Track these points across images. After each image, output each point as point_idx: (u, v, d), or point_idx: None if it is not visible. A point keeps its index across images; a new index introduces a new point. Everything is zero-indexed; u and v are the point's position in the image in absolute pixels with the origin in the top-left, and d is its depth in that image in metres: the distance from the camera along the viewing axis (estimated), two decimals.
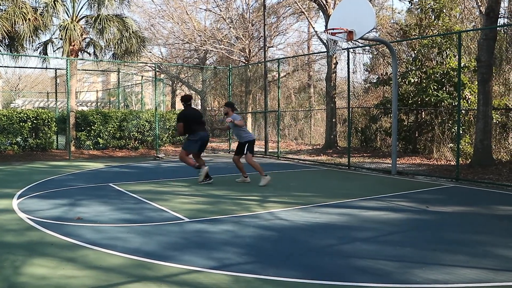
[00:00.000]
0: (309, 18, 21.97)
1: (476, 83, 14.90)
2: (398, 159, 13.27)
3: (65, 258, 4.67)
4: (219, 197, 8.18)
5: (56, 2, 16.06)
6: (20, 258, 4.67)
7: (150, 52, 27.79)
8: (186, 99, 10.25)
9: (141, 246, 5.09)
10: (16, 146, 15.46)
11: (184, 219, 6.38)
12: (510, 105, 15.51)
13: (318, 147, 19.60)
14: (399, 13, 23.63)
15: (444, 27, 16.21)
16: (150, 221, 6.29)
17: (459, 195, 8.79)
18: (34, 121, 15.64)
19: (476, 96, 14.61)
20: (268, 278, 4.12)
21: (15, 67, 21.91)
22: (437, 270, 4.38)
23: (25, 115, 15.48)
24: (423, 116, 16.84)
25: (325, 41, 18.61)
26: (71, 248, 5.02)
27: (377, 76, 21.41)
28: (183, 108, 10.38)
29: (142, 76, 26.51)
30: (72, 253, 4.85)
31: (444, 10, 16.16)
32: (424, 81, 15.95)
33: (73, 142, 16.42)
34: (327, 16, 17.34)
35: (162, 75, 29.90)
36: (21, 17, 15.04)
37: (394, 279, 4.13)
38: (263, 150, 17.50)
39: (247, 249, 5.02)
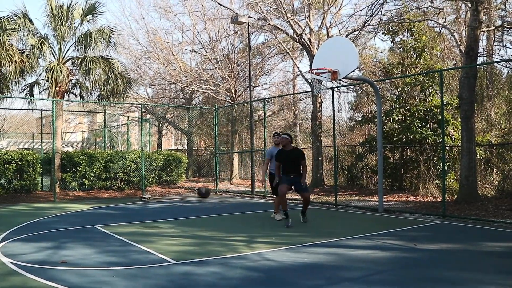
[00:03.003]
0: (293, 58, 22.34)
1: (459, 119, 15.18)
2: (384, 196, 13.30)
3: None
4: (206, 238, 8.09)
5: (43, 44, 16.19)
6: None
7: (136, 92, 27.95)
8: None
9: None
10: None
11: (170, 261, 6.29)
12: (493, 141, 15.75)
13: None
14: (381, 52, 24.19)
15: (425, 65, 16.58)
16: (136, 263, 6.19)
17: (446, 232, 8.79)
18: (19, 163, 15.50)
19: (459, 132, 14.84)
20: None
21: (0, 108, 21.84)
22: None
23: (10, 157, 15.34)
24: (408, 153, 17.00)
25: (309, 81, 18.88)
26: None
27: (361, 114, 21.69)
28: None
29: (128, 117, 26.52)
30: None
31: (426, 49, 16.55)
32: (408, 118, 16.19)
33: (58, 183, 16.26)
34: (311, 56, 17.66)
35: (148, 116, 29.98)
36: (7, 59, 15.10)
37: None
38: (250, 189, 17.45)
39: None
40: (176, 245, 7.53)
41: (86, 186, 17.05)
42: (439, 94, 15.95)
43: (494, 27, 15.42)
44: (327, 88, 12.37)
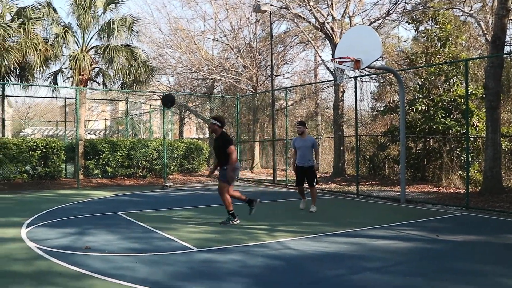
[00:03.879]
0: (315, 47, 22.18)
1: (484, 110, 14.93)
2: (406, 187, 13.19)
3: None
4: (228, 226, 8.14)
5: (66, 33, 16.37)
6: None
7: (158, 81, 28.09)
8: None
9: (148, 276, 5.06)
10: (25, 174, 15.56)
11: (192, 249, 6.35)
12: None
13: (326, 175, 19.54)
14: (405, 41, 23.85)
15: (450, 55, 16.32)
16: (158, 250, 6.26)
17: (469, 223, 8.70)
18: (43, 150, 15.76)
19: (484, 123, 14.61)
20: None
21: (25, 96, 22.21)
22: None
23: (35, 144, 15.61)
24: (431, 144, 16.81)
25: (332, 70, 18.76)
26: (79, 277, 5.00)
27: (384, 104, 21.49)
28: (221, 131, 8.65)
29: (150, 105, 26.71)
30: (80, 282, 4.82)
31: (450, 38, 16.28)
32: (432, 108, 15.99)
33: (81, 170, 16.49)
34: (333, 45, 17.51)
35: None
36: (32, 48, 15.30)
37: None
38: (271, 178, 17.47)
39: (255, 280, 4.97)
40: (198, 232, 7.60)
41: (109, 174, 17.27)
42: (464, 84, 15.74)
43: None
44: (350, 77, 12.29)
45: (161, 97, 8.76)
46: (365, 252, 6.21)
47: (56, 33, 16.36)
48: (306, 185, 10.17)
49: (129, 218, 8.89)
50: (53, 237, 7.13)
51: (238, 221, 8.34)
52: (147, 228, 7.91)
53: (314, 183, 9.98)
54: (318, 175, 19.38)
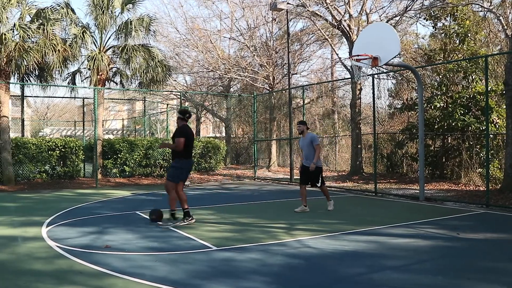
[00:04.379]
0: (332, 45, 22.06)
1: (504, 106, 14.70)
2: (425, 184, 13.03)
3: (94, 287, 4.68)
4: (246, 225, 8.14)
5: (84, 33, 16.50)
6: (49, 286, 4.69)
7: (175, 80, 28.20)
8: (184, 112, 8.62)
9: (168, 274, 5.07)
10: (44, 174, 15.75)
11: (211, 247, 6.35)
12: None
13: (343, 173, 19.44)
14: (422, 38, 23.60)
15: (469, 51, 16.10)
16: (177, 249, 6.28)
17: (491, 221, 8.58)
18: (62, 150, 15.94)
19: (504, 120, 14.39)
20: None
21: (44, 97, 22.47)
22: None
23: (54, 144, 15.79)
24: (450, 141, 16.62)
25: (349, 68, 18.64)
26: (99, 276, 5.03)
27: (401, 101, 21.29)
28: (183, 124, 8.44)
29: (167, 105, 26.83)
30: (101, 281, 4.85)
31: (469, 34, 16.06)
32: (450, 105, 15.80)
33: (100, 170, 16.62)
34: (350, 43, 17.40)
35: (187, 103, 30.24)
36: (51, 48, 15.44)
37: None
38: (289, 177, 17.43)
39: (275, 278, 4.95)
40: (217, 231, 7.61)
41: (127, 173, 17.39)
42: (483, 80, 15.53)
43: None
44: (368, 75, 12.17)
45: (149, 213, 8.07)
46: (385, 251, 6.16)
47: (74, 34, 16.50)
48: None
49: (147, 217, 8.92)
50: (73, 236, 7.20)
51: (193, 221, 8.18)
52: (165, 227, 7.94)
53: (318, 184, 9.66)
54: (333, 174, 19.35)
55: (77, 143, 16.53)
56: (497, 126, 14.91)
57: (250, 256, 5.87)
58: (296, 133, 22.73)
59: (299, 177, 10.32)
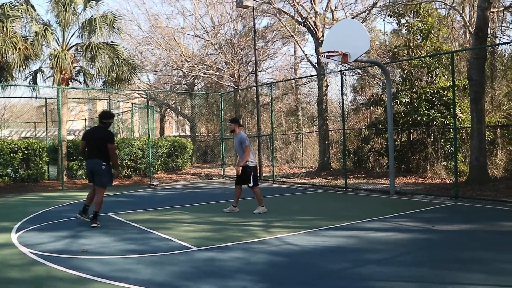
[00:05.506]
0: (298, 42, 22.17)
1: (466, 101, 15.11)
2: None
3: None
4: (223, 224, 8.08)
5: (46, 31, 16.01)
6: None
7: (139, 79, 27.78)
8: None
9: (153, 277, 4.97)
10: (6, 177, 15.22)
11: (191, 248, 6.27)
12: (500, 122, 15.71)
13: (311, 169, 19.57)
14: (384, 34, 23.99)
15: (432, 47, 16.45)
16: (157, 251, 6.17)
17: (461, 213, 8.79)
18: (25, 152, 15.43)
19: (467, 114, 14.79)
20: None
21: (4, 97, 21.72)
22: None
23: (16, 146, 15.27)
24: (415, 136, 16.95)
25: (315, 64, 18.76)
26: (81, 282, 4.88)
27: (363, 97, 21.61)
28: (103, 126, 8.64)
29: (132, 104, 26.41)
30: (84, 287, 4.71)
31: (432, 31, 16.41)
32: (415, 101, 16.11)
33: (65, 172, 16.20)
34: (316, 39, 17.52)
35: (150, 102, 29.87)
36: (11, 46, 14.94)
37: None
38: (258, 174, 17.40)
39: (261, 276, 4.93)
40: (194, 231, 7.52)
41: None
42: (446, 76, 15.92)
43: (503, 8, 15.27)
44: (337, 71, 12.26)
45: None
46: (366, 245, 6.22)
47: (35, 31, 15.98)
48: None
49: (120, 219, 8.76)
50: (46, 241, 6.97)
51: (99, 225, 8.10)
52: (141, 228, 7.80)
53: (251, 185, 9.10)
54: (303, 170, 19.47)
55: (40, 144, 16.04)
56: (460, 120, 15.29)
57: (233, 255, 5.82)
58: (265, 130, 22.82)
59: None
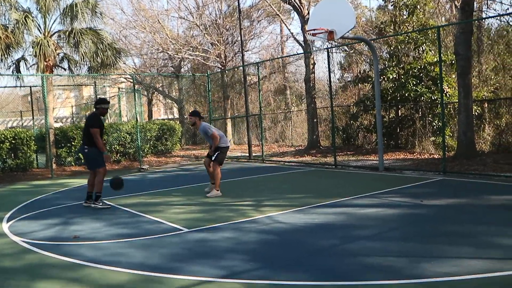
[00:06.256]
0: (283, 20, 22.03)
1: (454, 76, 15.16)
2: None
3: (70, 279, 4.56)
4: (213, 205, 8.11)
5: (27, 18, 15.75)
6: (22, 283, 4.54)
7: (125, 63, 27.50)
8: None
9: (145, 260, 5.00)
10: None
11: (182, 229, 6.30)
12: (488, 97, 15.81)
13: (300, 148, 19.64)
14: (371, 10, 23.92)
15: (418, 22, 16.41)
16: (148, 234, 6.19)
17: (450, 187, 8.89)
18: (13, 141, 15.28)
19: (454, 89, 14.85)
20: (281, 283, 4.07)
21: None
22: (445, 263, 4.39)
23: (3, 136, 15.12)
24: (403, 112, 17.02)
25: (301, 42, 18.69)
26: (73, 268, 4.90)
27: (351, 74, 21.62)
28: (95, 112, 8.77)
29: (119, 88, 26.21)
30: (76, 273, 4.73)
31: (418, 6, 16.35)
32: (402, 76, 16.14)
33: (54, 159, 16.10)
34: (302, 17, 17.43)
35: (136, 86, 29.67)
36: None
37: (405, 274, 4.13)
38: (247, 154, 17.45)
39: (253, 255, 4.98)
40: (185, 213, 7.55)
41: (83, 161, 16.90)
42: (433, 51, 15.93)
43: None
44: (324, 49, 12.21)
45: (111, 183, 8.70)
46: (355, 221, 6.29)
47: (16, 19, 15.70)
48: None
49: (112, 204, 8.75)
50: (37, 229, 6.96)
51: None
52: (132, 212, 7.82)
53: (213, 158, 9.20)
54: (293, 149, 19.54)
55: (27, 133, 15.90)
56: (448, 95, 15.35)
57: (224, 235, 5.87)
58: (253, 110, 22.80)
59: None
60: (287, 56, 26.36)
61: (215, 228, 6.32)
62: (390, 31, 16.73)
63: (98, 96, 25.61)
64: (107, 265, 4.87)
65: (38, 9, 16.44)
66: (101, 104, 8.58)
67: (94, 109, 8.66)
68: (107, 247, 5.67)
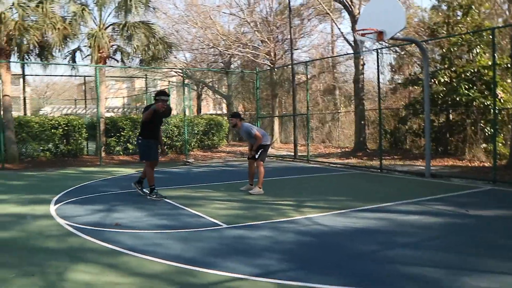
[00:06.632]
0: (334, 19, 21.80)
1: (509, 81, 14.57)
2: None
3: (108, 265, 4.68)
4: (254, 202, 8.13)
5: (84, 11, 16.29)
6: (63, 264, 4.69)
7: (175, 57, 27.95)
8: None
9: (181, 252, 5.07)
10: (48, 152, 15.71)
11: (221, 225, 6.34)
12: None
13: (347, 149, 19.42)
14: (424, 10, 23.29)
15: (473, 23, 15.87)
16: (187, 227, 6.27)
17: (499, 198, 8.57)
18: (65, 128, 15.88)
19: (509, 94, 14.28)
20: (315, 286, 4.03)
21: (45, 75, 22.29)
22: (486, 277, 4.21)
23: (57, 122, 15.72)
24: (454, 117, 16.53)
25: (351, 42, 18.46)
26: (112, 254, 5.03)
27: (402, 76, 21.10)
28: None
29: (169, 81, 26.65)
30: (114, 259, 4.85)
31: (473, 7, 15.80)
32: (454, 80, 15.66)
33: (103, 148, 16.58)
34: (352, 17, 17.21)
35: (187, 80, 30.08)
36: (51, 26, 15.28)
37: (443, 286, 4.00)
38: (293, 154, 17.40)
39: (289, 256, 4.95)
40: (225, 209, 7.60)
41: (130, 151, 17.34)
42: (487, 54, 15.36)
43: None
44: (373, 50, 12.00)
45: None
46: (396, 228, 6.15)
47: (73, 11, 16.30)
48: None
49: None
50: (82, 213, 7.19)
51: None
52: (174, 204, 7.94)
53: (257, 157, 9.21)
54: (339, 150, 19.33)
55: (79, 121, 16.46)
56: (502, 101, 14.79)
57: (261, 234, 5.86)
58: (301, 109, 22.71)
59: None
60: (336, 56, 26.08)
61: (254, 226, 6.33)
62: (443, 33, 16.26)
63: (148, 88, 26.16)
64: (144, 254, 4.96)
65: (94, 2, 16.96)
66: (161, 96, 8.51)
67: (154, 100, 8.63)
68: (147, 236, 5.77)
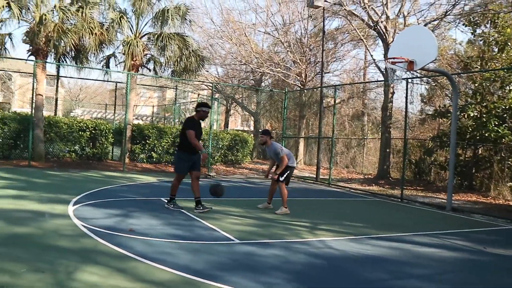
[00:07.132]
0: (367, 46, 21.81)
1: None
2: (453, 195, 12.82)
3: (116, 268, 4.73)
4: (270, 221, 8.12)
5: (121, 19, 16.68)
6: (73, 264, 4.76)
7: (207, 71, 28.28)
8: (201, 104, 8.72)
9: (190, 263, 5.09)
10: (74, 153, 16.01)
11: (234, 240, 6.36)
12: None
13: (369, 176, 19.25)
14: (459, 44, 23.12)
15: (508, 60, 15.68)
16: (200, 239, 6.30)
17: None
18: (93, 131, 16.18)
19: None
20: None
21: (79, 78, 22.82)
22: None
23: (85, 125, 16.04)
24: (481, 152, 16.27)
25: (382, 70, 18.41)
26: (122, 258, 5.08)
27: (432, 107, 20.91)
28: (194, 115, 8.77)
29: (198, 94, 26.94)
30: (123, 264, 4.90)
31: (509, 43, 15.63)
32: (484, 115, 15.44)
33: (128, 154, 16.81)
34: (386, 45, 17.18)
35: (217, 95, 30.35)
36: (88, 31, 15.68)
37: None
38: (314, 176, 17.34)
39: (296, 276, 4.93)
40: (240, 224, 7.61)
41: (154, 159, 17.54)
42: None
43: None
44: (402, 79, 11.96)
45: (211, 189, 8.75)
46: (409, 258, 6.06)
47: (111, 18, 16.70)
48: None
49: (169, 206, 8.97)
50: (98, 216, 7.29)
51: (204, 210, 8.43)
52: (189, 215, 7.99)
53: (281, 179, 9.22)
54: (362, 176, 19.17)
55: (107, 126, 16.76)
56: None
57: (272, 252, 5.85)
58: (326, 133, 22.67)
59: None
60: (364, 82, 26.01)
61: (266, 244, 6.32)
62: (477, 67, 16.09)
63: (178, 99, 26.45)
64: (154, 262, 5.01)
65: (133, 11, 17.34)
66: (202, 107, 8.55)
67: (195, 112, 8.68)
68: (158, 244, 5.82)
